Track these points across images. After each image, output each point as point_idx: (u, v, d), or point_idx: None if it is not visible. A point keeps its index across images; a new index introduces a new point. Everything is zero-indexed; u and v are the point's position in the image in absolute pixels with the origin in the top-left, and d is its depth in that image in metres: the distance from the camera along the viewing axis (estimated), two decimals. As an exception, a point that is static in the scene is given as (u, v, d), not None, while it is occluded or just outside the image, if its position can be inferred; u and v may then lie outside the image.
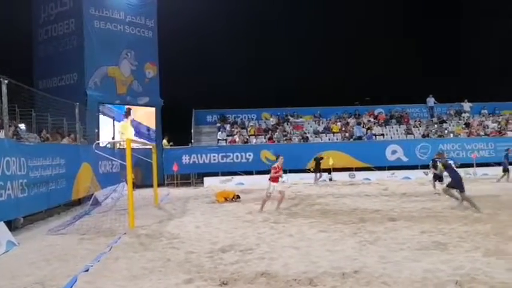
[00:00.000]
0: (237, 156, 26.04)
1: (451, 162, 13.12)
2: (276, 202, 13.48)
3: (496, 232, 8.83)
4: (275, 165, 13.30)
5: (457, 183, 12.40)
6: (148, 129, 27.93)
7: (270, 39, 37.51)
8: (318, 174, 23.81)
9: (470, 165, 25.46)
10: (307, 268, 6.68)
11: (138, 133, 27.30)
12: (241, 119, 31.03)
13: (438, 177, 16.97)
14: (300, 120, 30.72)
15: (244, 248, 8.24)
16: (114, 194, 16.51)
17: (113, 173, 20.13)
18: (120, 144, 22.59)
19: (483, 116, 31.23)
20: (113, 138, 24.13)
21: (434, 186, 17.15)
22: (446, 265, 6.62)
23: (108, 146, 22.74)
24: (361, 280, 6.03)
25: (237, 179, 25.30)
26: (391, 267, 6.58)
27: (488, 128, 29.10)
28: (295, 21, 39.01)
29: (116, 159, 18.70)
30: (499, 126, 29.15)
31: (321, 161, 24.03)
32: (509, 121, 29.86)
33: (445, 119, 30.74)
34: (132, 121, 27.54)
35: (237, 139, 27.70)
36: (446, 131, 28.79)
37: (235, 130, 28.91)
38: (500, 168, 22.14)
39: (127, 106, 27.38)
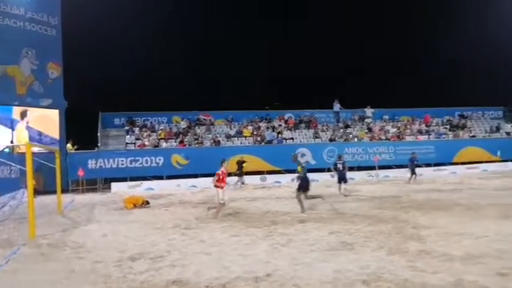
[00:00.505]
0: (146, 160, 25.31)
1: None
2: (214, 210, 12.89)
3: (397, 231, 9.32)
4: (219, 171, 12.67)
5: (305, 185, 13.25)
6: (40, 133, 25.88)
7: (179, 39, 36.90)
8: (239, 178, 23.67)
9: (372, 168, 27.02)
10: (220, 274, 6.59)
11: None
12: (151, 122, 30.27)
13: (342, 179, 17.87)
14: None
15: (155, 255, 7.96)
16: (13, 202, 15.31)
17: (12, 178, 18.68)
18: (19, 148, 21.00)
19: (384, 121, 33.17)
20: (12, 142, 22.40)
21: (339, 189, 17.93)
22: (353, 265, 6.85)
23: (6, 150, 21.06)
24: (274, 283, 6.05)
25: (147, 184, 24.58)
26: (303, 269, 6.68)
27: (389, 132, 30.97)
28: (211, 22, 38.89)
29: (14, 165, 17.38)
30: (399, 131, 31.14)
31: (243, 164, 23.92)
32: (407, 126, 32.01)
33: (349, 123, 32.22)
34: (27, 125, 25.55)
35: (147, 143, 26.97)
36: (350, 135, 30.17)
37: (145, 133, 28.12)
38: (404, 170, 24.10)
39: (22, 108, 25.44)
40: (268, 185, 24.22)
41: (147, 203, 16.13)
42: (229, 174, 24.10)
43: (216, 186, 12.53)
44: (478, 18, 37.32)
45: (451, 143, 29.93)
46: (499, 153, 29.36)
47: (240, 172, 23.66)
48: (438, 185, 20.71)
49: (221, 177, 12.49)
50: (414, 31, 39.65)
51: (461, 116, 34.66)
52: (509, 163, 29.29)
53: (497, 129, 33.07)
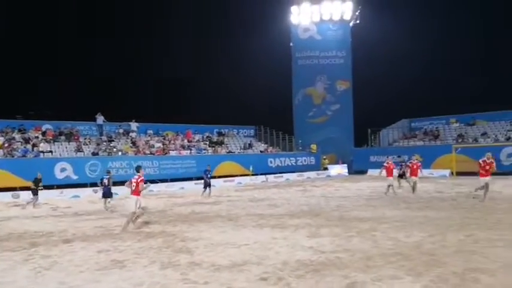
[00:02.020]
0: None
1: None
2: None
3: (167, 245, 9.52)
4: (135, 178, 12.02)
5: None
6: None
7: None
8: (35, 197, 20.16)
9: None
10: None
11: None
12: None
13: (107, 194, 17.47)
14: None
15: None
16: None
17: None
18: None
19: (149, 135, 33.54)
20: None
21: (105, 204, 17.49)
22: (127, 282, 6.75)
23: None
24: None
25: None
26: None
27: (154, 147, 31.39)
28: None
29: None
30: (163, 145, 31.87)
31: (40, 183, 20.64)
32: (171, 141, 33.02)
33: (114, 137, 31.53)
34: None
35: None
36: (115, 149, 29.51)
37: None
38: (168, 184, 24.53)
39: None
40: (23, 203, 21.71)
41: None
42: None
43: (135, 192, 12.05)
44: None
45: (211, 157, 32.05)
46: (251, 167, 32.79)
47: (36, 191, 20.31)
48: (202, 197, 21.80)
49: (137, 183, 11.96)
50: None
51: (220, 133, 37.65)
52: (260, 176, 32.92)
53: (250, 146, 36.91)
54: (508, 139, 32.97)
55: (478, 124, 37.64)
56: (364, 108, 42.79)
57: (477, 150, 31.34)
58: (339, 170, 38.66)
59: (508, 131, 34.71)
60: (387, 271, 6.90)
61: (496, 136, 34.49)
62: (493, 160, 16.13)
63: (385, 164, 20.22)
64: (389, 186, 19.54)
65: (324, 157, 39.17)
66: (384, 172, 20.04)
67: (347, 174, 38.13)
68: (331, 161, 39.75)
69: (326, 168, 38.42)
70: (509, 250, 7.85)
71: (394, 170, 20.28)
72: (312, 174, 36.33)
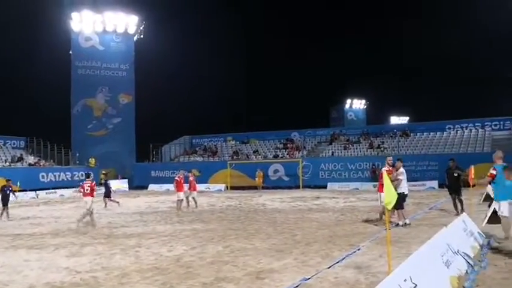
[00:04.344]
0: None
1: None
2: None
3: None
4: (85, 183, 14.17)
5: None
6: None
7: None
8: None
9: None
10: None
11: None
12: None
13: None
14: None
15: None
16: None
17: None
18: None
19: None
20: None
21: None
22: None
23: None
24: None
25: None
26: None
27: None
28: None
29: None
30: None
31: None
32: None
33: None
34: None
35: None
36: None
37: None
38: None
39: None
40: None
41: None
42: None
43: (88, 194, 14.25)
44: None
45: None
46: (19, 183, 29.44)
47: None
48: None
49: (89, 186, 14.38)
50: None
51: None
52: (29, 192, 29.84)
53: (20, 159, 33.29)
54: (275, 157, 36.86)
55: (251, 142, 41.22)
56: (147, 123, 42.95)
57: (249, 166, 34.32)
58: (118, 185, 37.62)
59: (276, 149, 38.88)
60: (140, 286, 6.86)
61: (265, 154, 38.24)
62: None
63: (176, 178, 19.28)
64: (180, 201, 18.70)
65: (103, 172, 37.71)
66: (177, 186, 18.93)
67: (127, 189, 37.42)
68: (111, 176, 38.51)
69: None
70: (255, 258, 8.61)
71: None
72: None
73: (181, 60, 49.19)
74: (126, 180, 38.40)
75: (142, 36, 43.14)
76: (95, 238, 11.85)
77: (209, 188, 33.79)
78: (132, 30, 42.35)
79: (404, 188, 12.19)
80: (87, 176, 15.27)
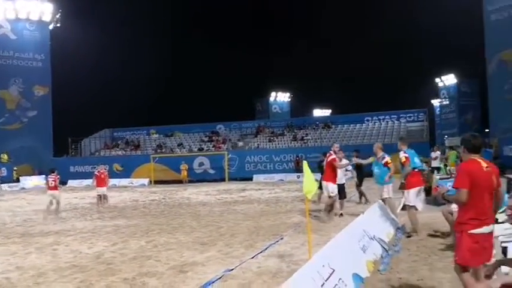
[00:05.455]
0: None
1: None
2: None
3: None
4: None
5: None
6: None
7: None
8: None
9: None
10: None
11: None
12: None
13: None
14: None
15: None
16: None
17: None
18: None
19: None
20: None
21: None
22: None
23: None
24: None
25: None
26: None
27: None
28: None
29: None
30: None
31: None
32: None
33: None
34: None
35: None
36: None
37: None
38: None
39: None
40: None
41: None
42: None
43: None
44: None
45: None
46: None
47: None
48: None
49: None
50: None
51: None
52: None
53: None
54: (200, 149, 36.67)
55: (175, 135, 40.68)
56: (65, 117, 41.06)
57: (173, 159, 33.92)
58: (36, 181, 35.66)
59: (201, 142, 38.69)
60: (57, 285, 6.58)
61: (190, 147, 37.95)
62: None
63: (96, 173, 18.54)
64: (100, 196, 17.88)
65: (15, 168, 35.58)
66: (96, 181, 18.17)
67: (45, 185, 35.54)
68: (27, 171, 36.45)
69: (18, 180, 34.84)
70: (178, 252, 8.56)
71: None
72: (2, 186, 32.44)
73: (102, 50, 47.42)
74: (44, 176, 36.43)
75: (59, 25, 40.96)
76: (9, 237, 11.16)
77: (132, 183, 32.96)
78: (47, 18, 40.10)
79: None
80: (52, 171, 15.77)
